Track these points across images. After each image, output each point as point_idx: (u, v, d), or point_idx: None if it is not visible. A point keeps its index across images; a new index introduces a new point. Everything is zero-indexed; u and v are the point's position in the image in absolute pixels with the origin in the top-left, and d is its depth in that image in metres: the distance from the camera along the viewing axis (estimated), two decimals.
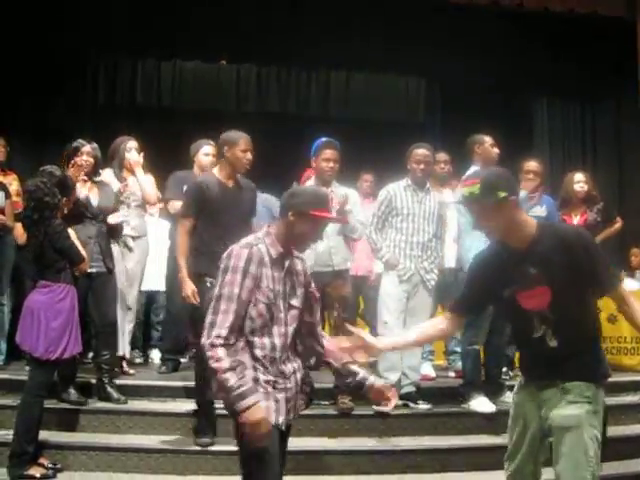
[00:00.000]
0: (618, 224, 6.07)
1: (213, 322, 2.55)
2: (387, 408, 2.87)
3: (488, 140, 5.18)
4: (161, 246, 6.36)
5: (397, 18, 8.14)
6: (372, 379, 2.85)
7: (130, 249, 5.26)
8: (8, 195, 5.44)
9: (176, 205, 5.27)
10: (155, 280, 6.28)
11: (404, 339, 3.17)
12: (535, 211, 5.60)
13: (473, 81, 8.43)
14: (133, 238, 5.30)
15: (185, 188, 4.68)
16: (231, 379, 2.48)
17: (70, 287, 4.10)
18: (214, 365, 2.50)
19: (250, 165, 4.34)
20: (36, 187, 4.03)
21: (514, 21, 8.12)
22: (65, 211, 4.22)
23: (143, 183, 5.26)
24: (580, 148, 9.55)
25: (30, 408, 3.92)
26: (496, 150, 5.17)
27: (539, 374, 2.73)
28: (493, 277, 2.75)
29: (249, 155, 4.31)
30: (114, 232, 4.94)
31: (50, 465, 3.98)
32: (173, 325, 5.57)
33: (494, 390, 4.87)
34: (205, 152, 5.35)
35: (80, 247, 4.21)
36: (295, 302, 2.73)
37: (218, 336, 2.52)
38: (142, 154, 5.36)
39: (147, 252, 5.52)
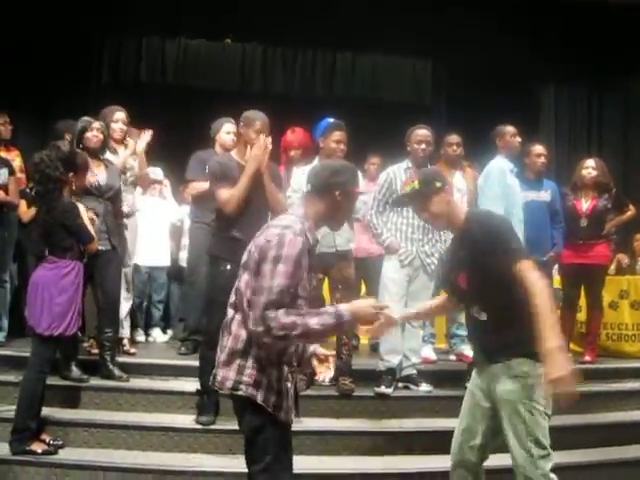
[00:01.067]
0: (630, 212, 6.04)
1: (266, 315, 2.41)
2: (321, 379, 2.86)
3: (509, 131, 5.21)
4: (162, 224, 6.39)
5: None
6: (313, 348, 2.78)
7: (125, 227, 5.22)
8: (12, 172, 5.40)
9: (197, 187, 5.26)
10: (155, 257, 6.31)
11: (415, 311, 3.59)
12: (540, 195, 5.60)
13: (480, 63, 8.37)
14: (125, 214, 5.22)
15: (208, 168, 4.56)
16: (310, 324, 2.41)
17: (77, 263, 4.07)
18: (284, 333, 2.39)
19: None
20: (40, 160, 4.01)
21: (523, 5, 8.05)
22: (73, 187, 4.17)
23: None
24: (586, 134, 9.50)
25: (33, 384, 3.93)
26: (518, 139, 5.27)
27: (483, 349, 3.06)
28: (449, 263, 3.21)
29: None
30: (120, 215, 4.95)
31: (52, 441, 4.00)
32: (194, 306, 5.49)
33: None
34: (227, 130, 5.31)
35: (90, 226, 4.19)
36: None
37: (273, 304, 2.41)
38: (149, 132, 5.33)
39: (136, 229, 5.50)
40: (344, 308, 2.49)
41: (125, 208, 5.19)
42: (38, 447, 3.91)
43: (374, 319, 2.59)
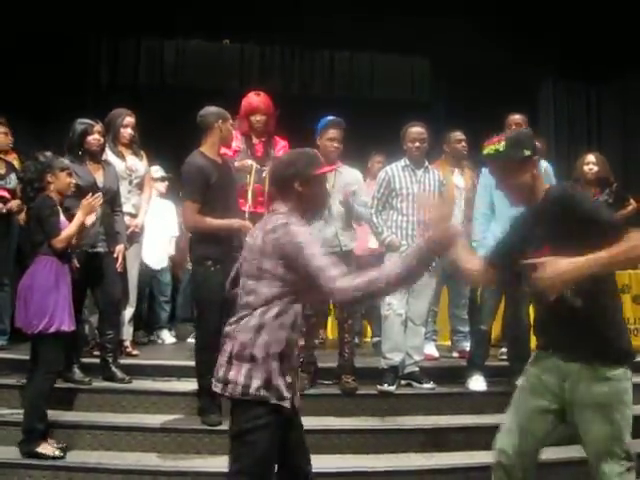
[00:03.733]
0: (631, 206, 6.02)
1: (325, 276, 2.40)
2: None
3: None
4: (165, 224, 6.37)
5: None
6: None
7: (128, 227, 5.21)
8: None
9: None
10: (158, 258, 6.28)
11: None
12: None
13: (479, 60, 8.35)
14: (132, 215, 5.25)
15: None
16: (388, 271, 2.40)
17: (49, 259, 4.01)
18: (359, 294, 2.37)
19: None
20: (22, 170, 4.20)
21: (519, 2, 8.03)
22: (52, 188, 4.12)
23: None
24: (585, 129, 9.49)
25: (38, 385, 3.93)
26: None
27: (563, 344, 2.69)
28: (518, 237, 2.80)
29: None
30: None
31: (55, 445, 4.00)
32: None
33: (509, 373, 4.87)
34: None
35: (68, 225, 4.09)
36: None
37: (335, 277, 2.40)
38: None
39: (143, 231, 5.49)
40: (419, 244, 2.41)
41: (132, 209, 5.19)
42: (47, 449, 3.91)
43: (452, 240, 2.44)
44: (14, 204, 5.34)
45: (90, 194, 4.26)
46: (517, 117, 5.19)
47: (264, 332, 2.52)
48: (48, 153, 4.24)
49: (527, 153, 2.67)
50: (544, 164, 5.66)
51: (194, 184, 4.22)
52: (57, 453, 3.95)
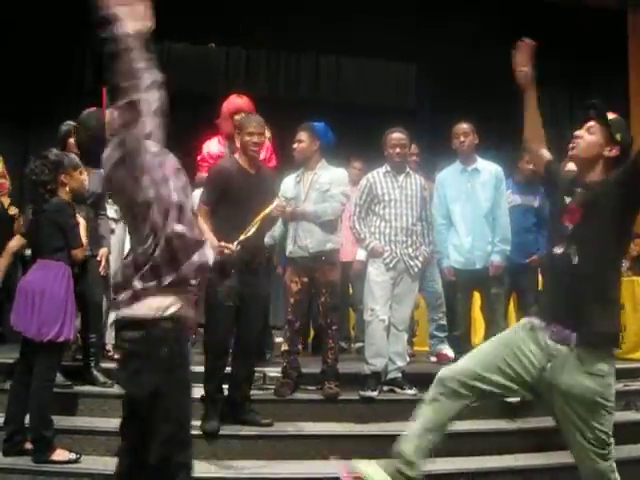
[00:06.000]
0: None
1: None
2: None
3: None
4: None
5: (387, 3, 8.08)
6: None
7: (113, 231, 5.18)
8: None
9: None
10: None
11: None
12: (528, 200, 5.57)
13: (464, 66, 8.40)
14: (116, 221, 5.19)
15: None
16: None
17: (67, 267, 3.98)
18: None
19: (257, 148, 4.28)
20: (29, 170, 4.00)
21: (503, 8, 8.10)
22: (67, 188, 4.09)
23: None
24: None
25: (39, 393, 3.84)
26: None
27: (556, 312, 2.78)
28: (562, 182, 3.01)
29: (255, 138, 4.25)
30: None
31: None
32: None
33: None
34: None
35: (83, 233, 4.11)
36: None
37: None
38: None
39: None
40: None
41: (115, 215, 5.15)
42: (61, 456, 3.85)
43: None
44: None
45: None
46: (465, 126, 5.22)
47: None
48: (56, 151, 4.17)
49: (617, 137, 2.82)
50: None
51: (207, 187, 4.29)
52: (72, 457, 3.89)
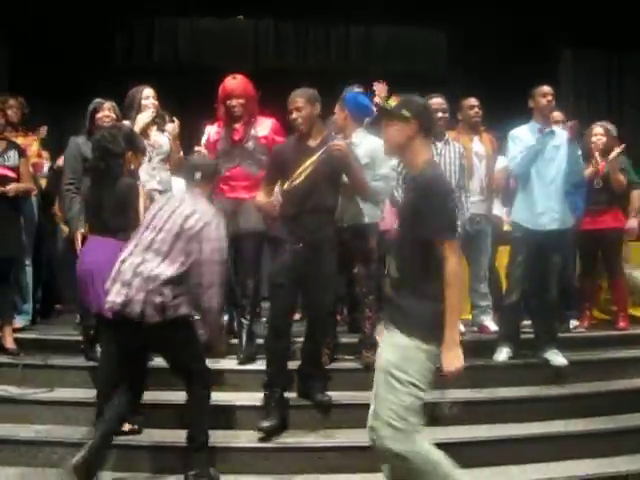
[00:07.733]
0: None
1: None
2: None
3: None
4: None
5: None
6: None
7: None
8: (23, 154, 5.23)
9: None
10: None
11: None
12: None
13: (496, 31, 8.23)
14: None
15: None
16: None
17: (122, 247, 3.65)
18: None
19: (299, 123, 4.10)
20: (101, 136, 3.93)
21: None
22: (132, 167, 4.07)
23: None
24: (606, 101, 9.31)
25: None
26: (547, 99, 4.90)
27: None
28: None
29: (293, 115, 4.10)
30: None
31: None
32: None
33: (539, 344, 4.82)
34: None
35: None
36: None
37: None
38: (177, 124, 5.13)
39: None
40: None
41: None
42: (124, 427, 3.77)
43: None
44: (14, 187, 5.05)
45: None
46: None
47: None
48: (129, 126, 4.13)
49: (406, 114, 2.80)
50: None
51: (266, 166, 4.38)
52: (133, 428, 3.89)
